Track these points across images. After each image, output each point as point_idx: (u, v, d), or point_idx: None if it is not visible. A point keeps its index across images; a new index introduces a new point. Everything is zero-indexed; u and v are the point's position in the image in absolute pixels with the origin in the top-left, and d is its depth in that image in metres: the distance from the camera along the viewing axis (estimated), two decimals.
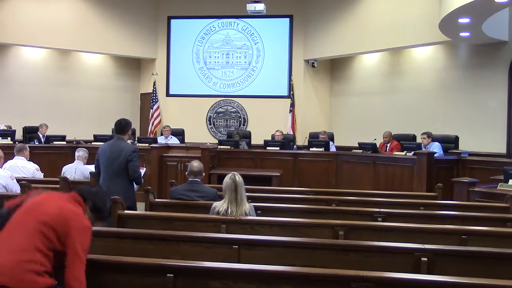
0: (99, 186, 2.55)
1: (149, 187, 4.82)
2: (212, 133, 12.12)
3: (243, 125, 11.99)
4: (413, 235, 3.54)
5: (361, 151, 8.49)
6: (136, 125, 12.16)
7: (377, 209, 4.38)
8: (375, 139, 8.67)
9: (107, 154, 4.79)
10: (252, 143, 10.31)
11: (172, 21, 12.25)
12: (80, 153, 6.48)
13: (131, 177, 4.72)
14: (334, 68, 12.02)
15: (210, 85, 12.16)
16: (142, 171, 5.12)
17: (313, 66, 11.69)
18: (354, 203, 5.02)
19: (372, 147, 8.35)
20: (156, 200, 4.75)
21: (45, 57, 11.55)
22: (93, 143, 9.17)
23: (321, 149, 8.88)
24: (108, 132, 10.09)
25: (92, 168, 6.42)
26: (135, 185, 4.85)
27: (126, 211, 4.05)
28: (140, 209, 5.13)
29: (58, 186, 5.53)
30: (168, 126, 10.22)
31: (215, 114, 12.13)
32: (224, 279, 2.48)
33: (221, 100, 12.09)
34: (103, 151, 4.84)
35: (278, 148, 9.03)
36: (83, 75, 12.00)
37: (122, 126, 4.85)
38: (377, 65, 11.02)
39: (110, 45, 11.67)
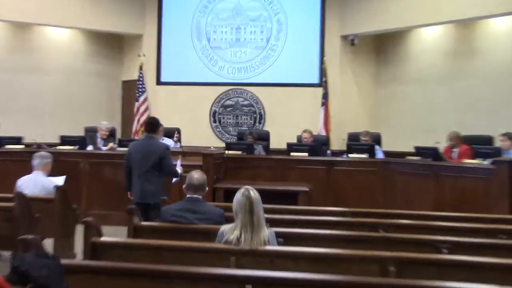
0: (28, 256, 2.43)
1: (133, 206, 4.81)
2: (218, 133, 12.13)
3: (259, 123, 11.98)
4: (491, 273, 3.50)
5: (418, 158, 8.42)
6: (116, 122, 12.22)
7: (441, 237, 4.34)
8: (438, 142, 8.59)
9: (141, 153, 6.15)
10: (271, 147, 10.30)
11: None
12: (37, 160, 6.43)
13: (166, 173, 6.18)
14: (381, 47, 11.96)
15: (215, 70, 12.19)
16: (179, 166, 6.59)
17: (352, 44, 11.63)
18: (409, 228, 4.98)
19: (433, 153, 8.27)
20: (143, 223, 4.75)
21: None
22: (59, 147, 9.19)
23: (364, 156, 8.83)
24: (80, 131, 10.14)
25: (57, 180, 6.46)
26: (174, 178, 6.47)
27: (101, 238, 4.05)
28: (121, 235, 5.13)
29: (12, 204, 5.57)
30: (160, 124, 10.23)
31: (222, 109, 12.15)
32: None
33: (230, 90, 12.10)
34: (135, 149, 6.25)
35: (306, 154, 9.00)
36: (47, 57, 12.10)
37: (153, 125, 6.32)
38: (440, 43, 10.92)
39: (83, 17, 11.76)
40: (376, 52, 12.06)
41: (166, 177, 6.37)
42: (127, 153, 6.37)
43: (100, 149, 9.38)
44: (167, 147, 6.30)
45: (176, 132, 10.23)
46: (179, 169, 6.46)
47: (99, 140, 9.67)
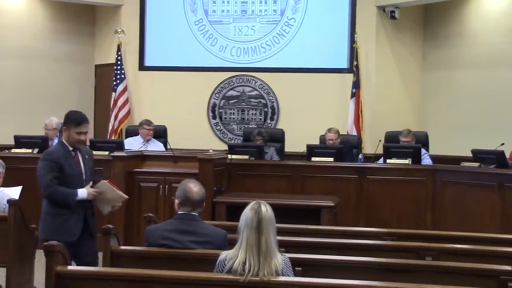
0: None
1: (109, 225, 4.83)
2: (218, 132, 12.15)
3: (271, 119, 12.01)
4: None
5: (477, 164, 8.40)
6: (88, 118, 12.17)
7: (509, 268, 4.31)
8: (503, 144, 8.56)
9: None
10: (286, 150, 10.32)
11: None
12: None
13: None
14: (430, 21, 11.95)
15: (214, 51, 12.21)
16: (112, 203, 5.90)
17: (392, 18, 11.61)
18: (466, 255, 4.97)
19: (497, 157, 8.25)
20: (122, 247, 4.77)
21: None
22: (13, 150, 9.26)
23: (406, 161, 8.82)
24: (41, 130, 10.15)
25: (11, 192, 6.47)
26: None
27: (69, 267, 4.07)
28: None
29: None
30: (150, 121, 10.25)
31: (223, 101, 12.17)
32: None
33: (234, 77, 12.12)
34: None
35: (331, 159, 8.99)
36: None
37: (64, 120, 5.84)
38: (507, 14, 10.87)
39: None
40: (424, 28, 12.05)
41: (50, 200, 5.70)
42: None
43: None
44: (45, 152, 5.91)
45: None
46: (110, 194, 5.80)
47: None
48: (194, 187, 4.67)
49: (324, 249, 5.05)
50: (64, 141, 5.74)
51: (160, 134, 10.45)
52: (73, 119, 5.72)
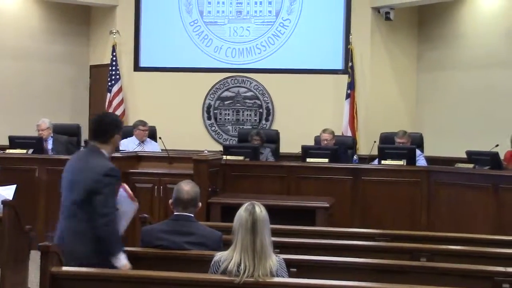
0: None
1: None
2: (213, 133, 12.14)
3: (266, 120, 11.99)
4: None
5: (471, 166, 8.41)
6: (82, 119, 12.19)
7: (503, 269, 4.33)
8: (497, 145, 8.57)
9: (69, 175, 4.62)
10: (281, 151, 10.34)
11: None
12: None
13: (95, 227, 4.38)
14: (425, 22, 11.95)
15: (209, 52, 12.19)
16: (126, 216, 4.80)
17: (387, 19, 11.61)
18: (460, 256, 4.98)
19: (491, 159, 8.25)
20: None
21: None
22: (8, 150, 9.24)
23: (401, 162, 8.83)
24: (33, 131, 10.13)
25: (4, 192, 6.46)
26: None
27: (64, 268, 4.06)
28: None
29: None
30: (145, 122, 10.22)
31: (218, 102, 12.15)
32: None
33: (229, 78, 12.10)
34: (66, 168, 4.70)
35: (326, 160, 8.99)
36: None
37: (100, 126, 4.71)
38: (502, 15, 10.89)
39: None
40: (418, 29, 12.04)
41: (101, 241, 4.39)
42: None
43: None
44: (107, 172, 4.47)
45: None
46: (126, 205, 4.79)
47: None
48: (185, 186, 4.69)
49: (318, 250, 5.07)
50: (106, 155, 4.62)
51: (151, 134, 10.40)
52: (121, 125, 4.73)
